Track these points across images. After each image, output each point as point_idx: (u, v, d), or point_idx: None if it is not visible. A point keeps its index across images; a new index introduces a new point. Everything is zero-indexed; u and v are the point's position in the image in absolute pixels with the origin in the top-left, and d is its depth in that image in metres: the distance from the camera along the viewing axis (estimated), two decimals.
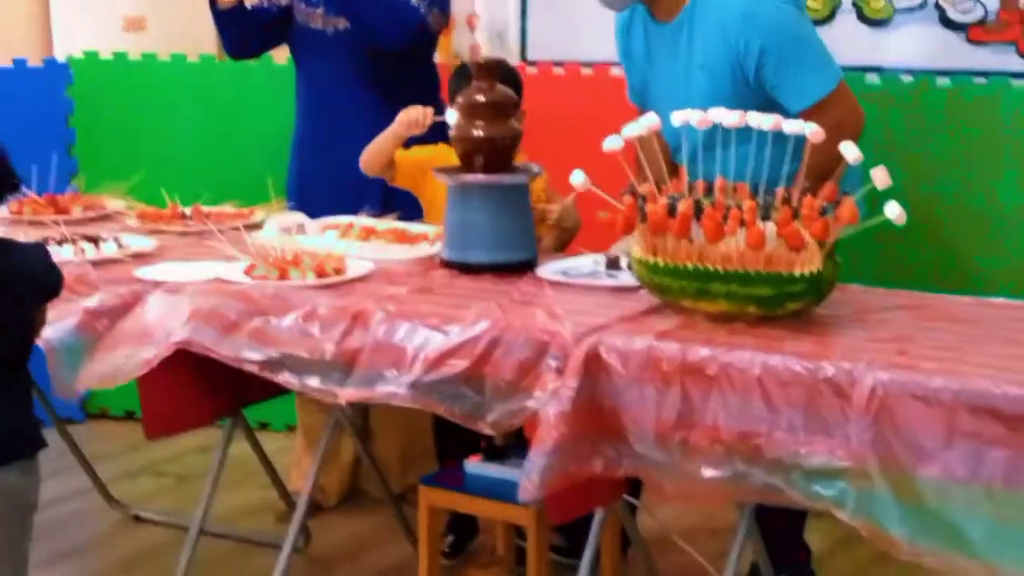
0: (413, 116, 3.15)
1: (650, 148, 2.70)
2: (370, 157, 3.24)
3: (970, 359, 2.21)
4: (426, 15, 3.54)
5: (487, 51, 4.34)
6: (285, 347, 2.63)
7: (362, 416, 3.61)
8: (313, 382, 2.62)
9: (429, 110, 3.12)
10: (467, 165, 2.91)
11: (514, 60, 4.22)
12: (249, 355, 2.66)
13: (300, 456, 3.76)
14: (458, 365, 2.46)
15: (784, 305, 2.43)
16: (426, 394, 2.50)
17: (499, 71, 2.97)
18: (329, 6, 3.61)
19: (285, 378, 2.65)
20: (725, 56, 2.99)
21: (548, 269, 2.83)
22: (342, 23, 3.61)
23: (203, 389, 2.89)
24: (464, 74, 3.17)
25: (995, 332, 2.37)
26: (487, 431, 2.52)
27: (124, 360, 2.74)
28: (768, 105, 2.98)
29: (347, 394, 2.58)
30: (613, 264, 2.84)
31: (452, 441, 3.14)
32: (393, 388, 2.52)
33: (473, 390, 2.47)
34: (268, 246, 2.93)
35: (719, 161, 2.65)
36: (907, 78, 3.62)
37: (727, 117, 2.55)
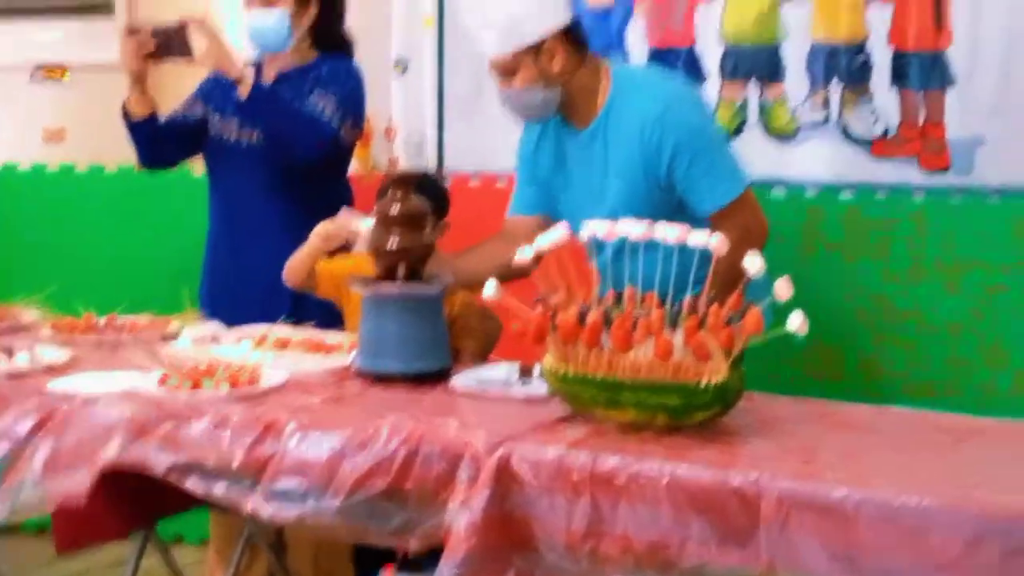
0: (328, 229, 3.19)
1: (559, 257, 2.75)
2: (290, 269, 3.27)
3: (871, 468, 2.26)
4: (339, 129, 3.59)
5: (405, 162, 4.40)
6: (194, 453, 2.63)
7: (276, 529, 3.59)
8: (220, 489, 2.61)
9: (344, 223, 3.15)
10: (382, 275, 2.95)
11: (431, 171, 4.29)
12: (157, 460, 2.65)
13: (212, 570, 3.72)
14: (378, 484, 2.47)
15: (692, 415, 2.47)
16: (351, 517, 2.49)
17: (415, 183, 3.02)
18: (243, 119, 3.64)
19: (193, 484, 2.64)
20: (639, 159, 3.06)
21: (462, 379, 2.86)
22: (256, 136, 3.65)
23: (115, 502, 2.86)
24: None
25: (893, 440, 2.42)
26: (415, 547, 2.51)
27: (53, 486, 2.71)
28: (681, 207, 3.06)
29: (266, 511, 2.56)
30: (526, 373, 2.88)
31: (369, 552, 3.13)
32: (314, 510, 2.52)
33: (397, 506, 2.47)
34: (182, 356, 2.93)
35: (628, 269, 2.70)
36: (811, 191, 3.72)
37: (634, 229, 2.61)
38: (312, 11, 3.68)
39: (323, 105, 3.58)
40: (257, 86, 3.55)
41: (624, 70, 3.19)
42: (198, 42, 3.56)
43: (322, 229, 3.19)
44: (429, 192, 3.22)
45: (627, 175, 3.09)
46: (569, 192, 3.24)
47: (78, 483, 2.68)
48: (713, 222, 3.06)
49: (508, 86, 3.13)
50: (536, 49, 3.07)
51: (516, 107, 3.17)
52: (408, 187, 2.98)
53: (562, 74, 3.09)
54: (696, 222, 3.03)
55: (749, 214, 3.08)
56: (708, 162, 3.05)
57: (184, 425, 2.65)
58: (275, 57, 3.71)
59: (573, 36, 3.12)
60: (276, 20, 3.62)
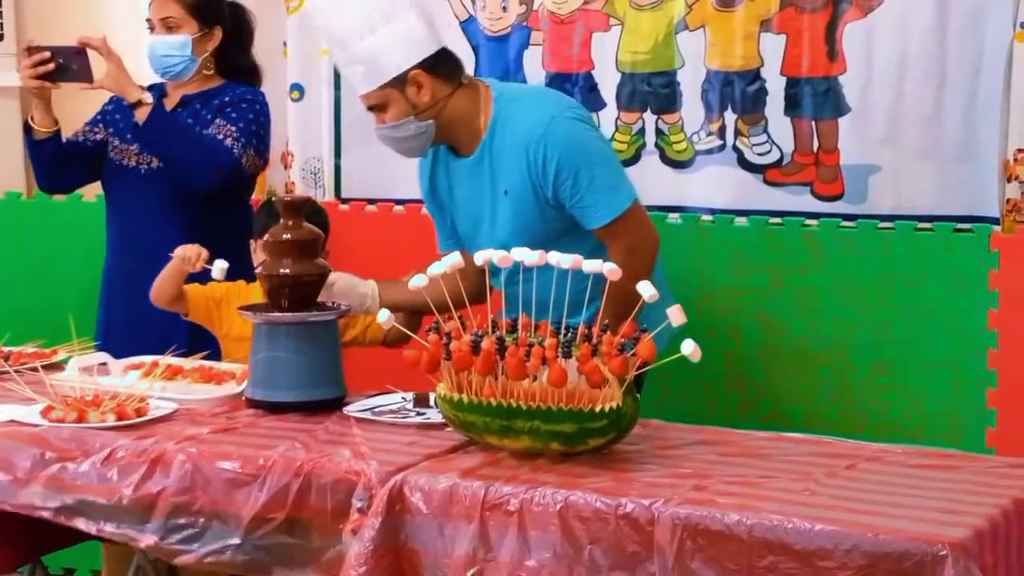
0: (188, 253, 3.19)
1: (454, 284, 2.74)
2: (156, 288, 3.25)
3: (764, 494, 2.26)
4: (240, 156, 3.55)
5: (301, 189, 4.35)
6: (81, 493, 2.57)
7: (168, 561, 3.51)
8: (111, 527, 2.56)
9: (203, 252, 3.14)
10: (274, 303, 2.91)
11: (328, 198, 4.25)
12: (43, 503, 2.59)
13: None
14: (276, 517, 2.44)
15: (586, 441, 2.46)
16: (252, 553, 2.46)
17: (306, 209, 2.98)
18: (143, 144, 3.59)
19: (83, 524, 2.58)
20: (527, 178, 3.06)
21: (356, 407, 2.83)
22: (155, 161, 3.60)
23: (2, 536, 2.79)
24: (269, 211, 3.19)
25: (788, 467, 2.43)
26: None
27: None
28: (574, 223, 3.04)
29: (163, 547, 2.51)
30: (421, 401, 2.86)
31: None
32: (215, 548, 2.48)
33: (297, 539, 2.45)
34: (68, 387, 2.87)
35: (522, 292, 2.67)
36: (707, 218, 3.74)
37: (527, 256, 2.60)
38: (216, 38, 3.65)
39: (224, 133, 3.55)
40: (157, 110, 3.50)
41: (506, 90, 3.17)
42: (98, 65, 3.51)
43: (181, 251, 3.20)
44: (315, 218, 3.20)
45: (517, 195, 3.08)
46: (461, 219, 3.22)
47: None
48: (601, 237, 3.06)
49: (382, 122, 3.11)
50: (401, 82, 3.05)
51: (392, 142, 3.15)
52: (299, 214, 2.94)
53: (433, 104, 3.07)
54: (591, 237, 3.06)
55: (636, 228, 3.08)
56: (590, 179, 3.04)
57: (70, 463, 2.58)
58: (178, 83, 3.66)
59: (440, 65, 3.10)
60: (179, 46, 3.59)
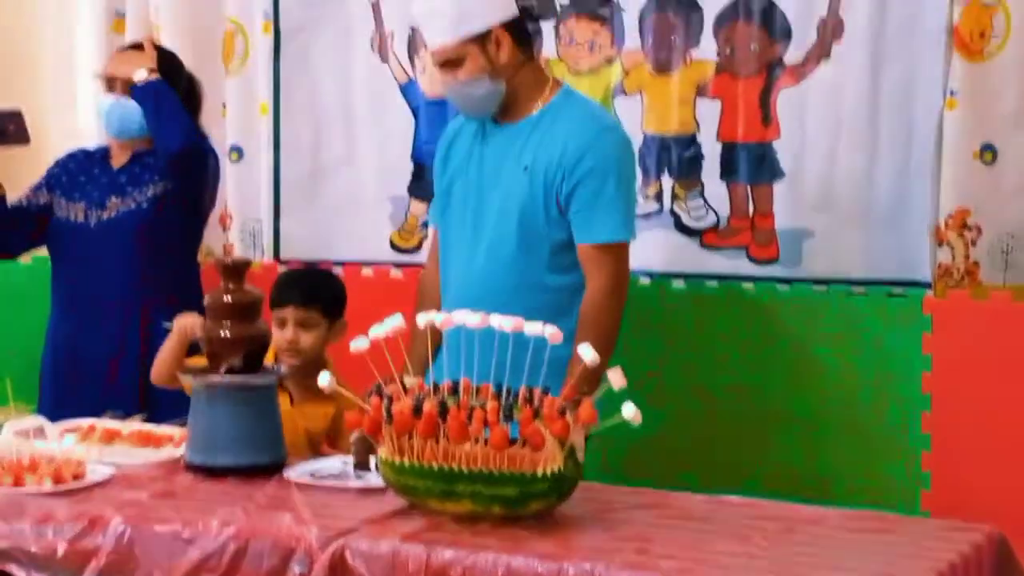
0: (187, 323, 3.14)
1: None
2: (157, 370, 3.21)
3: (705, 557, 2.27)
4: (208, 154, 3.68)
5: (240, 250, 4.34)
6: (16, 540, 2.53)
7: None
8: None
9: (199, 319, 3.09)
10: (214, 365, 2.89)
11: (267, 259, 4.25)
12: None
13: None
14: None
15: (527, 505, 2.46)
16: None
17: (245, 271, 2.96)
18: (92, 196, 3.62)
19: (12, 570, 2.54)
20: (555, 165, 3.08)
21: (296, 471, 2.81)
22: (107, 213, 3.61)
23: None
24: (287, 280, 3.33)
25: (728, 530, 2.44)
26: None
27: None
28: (565, 245, 3.10)
29: None
30: (361, 465, 2.84)
31: None
32: None
33: None
34: (3, 450, 2.83)
35: (465, 353, 2.68)
36: (645, 280, 3.77)
37: (470, 319, 2.60)
38: None
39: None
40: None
41: (575, 93, 3.24)
42: (34, 127, 3.52)
43: (179, 325, 3.16)
44: (322, 293, 3.21)
45: (534, 176, 3.10)
46: (469, 183, 3.22)
47: None
48: (586, 261, 3.08)
49: (453, 78, 3.12)
50: (484, 39, 3.08)
51: (461, 99, 3.17)
52: (240, 276, 2.94)
53: (508, 67, 3.11)
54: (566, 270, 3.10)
55: (622, 267, 3.12)
56: (613, 195, 3.08)
57: (3, 522, 2.55)
58: (127, 142, 3.69)
59: (521, 31, 3.15)
60: (132, 108, 3.62)
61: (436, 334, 2.96)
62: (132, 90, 3.61)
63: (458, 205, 3.25)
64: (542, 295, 3.10)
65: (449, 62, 3.12)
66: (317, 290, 3.30)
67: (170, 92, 3.63)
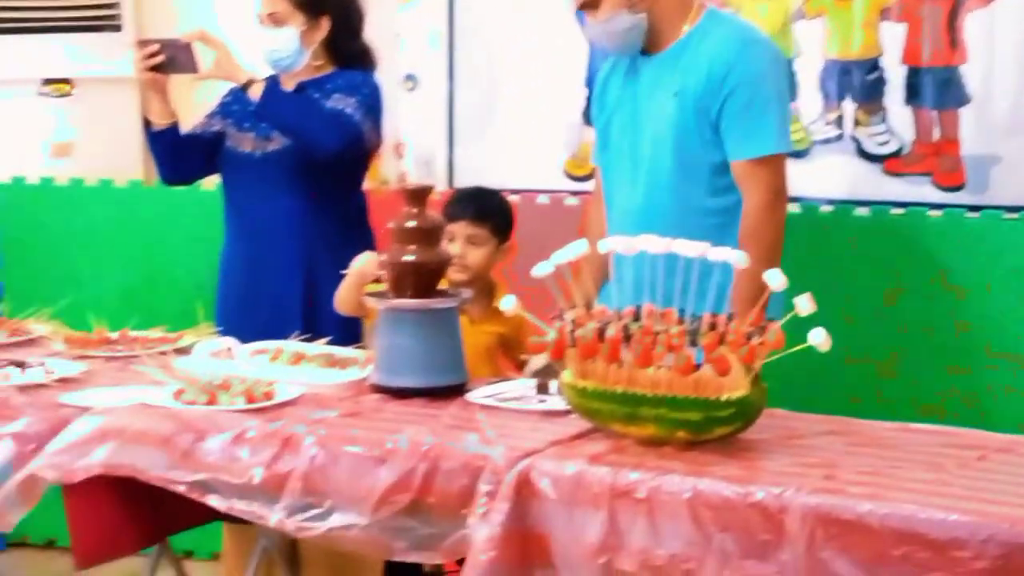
0: (364, 268, 3.15)
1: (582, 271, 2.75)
2: (339, 300, 3.25)
3: (895, 484, 2.24)
4: (361, 124, 3.58)
5: (414, 178, 4.39)
6: (213, 471, 2.61)
7: (291, 543, 3.57)
8: (241, 505, 2.60)
9: (374, 260, 3.12)
10: (397, 290, 2.93)
11: (441, 187, 4.29)
12: (177, 477, 2.63)
13: None
14: (401, 499, 2.46)
15: (712, 430, 2.45)
16: (375, 533, 2.48)
17: (428, 196, 3.00)
18: (261, 128, 3.64)
19: (213, 500, 2.63)
20: (703, 85, 3.07)
21: (478, 393, 2.85)
22: (272, 145, 3.64)
23: (131, 517, 2.85)
24: (458, 198, 3.35)
25: (918, 457, 2.41)
26: (438, 561, 2.50)
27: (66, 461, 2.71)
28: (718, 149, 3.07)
29: (290, 524, 2.55)
30: (542, 388, 2.86)
31: (399, 567, 3.10)
32: (339, 526, 2.51)
33: (420, 521, 2.46)
34: (197, 371, 2.92)
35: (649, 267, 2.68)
36: (826, 208, 3.72)
37: (654, 245, 2.59)
38: (324, 28, 3.67)
39: (344, 105, 3.59)
40: (272, 86, 3.57)
41: (720, 12, 3.23)
42: (205, 57, 3.57)
43: (357, 269, 3.18)
44: (492, 211, 3.24)
45: (684, 99, 3.09)
46: (623, 116, 3.22)
47: (92, 465, 2.66)
48: (741, 179, 3.06)
49: (594, 18, 3.14)
50: None
51: (604, 37, 3.17)
52: (423, 202, 2.97)
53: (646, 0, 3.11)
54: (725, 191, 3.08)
55: (780, 180, 3.08)
56: (759, 110, 3.05)
57: (202, 440, 2.63)
58: (290, 74, 3.71)
59: None
60: (286, 40, 3.63)
61: (598, 271, 2.96)
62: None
63: (616, 142, 3.24)
64: (703, 219, 3.09)
65: (588, 3, 3.12)
66: (487, 208, 3.33)
67: (289, 99, 3.60)
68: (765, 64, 3.09)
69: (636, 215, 3.14)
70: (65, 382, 2.98)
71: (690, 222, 3.05)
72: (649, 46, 3.17)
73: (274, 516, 2.56)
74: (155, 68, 3.59)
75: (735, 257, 2.53)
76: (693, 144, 3.09)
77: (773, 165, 3.06)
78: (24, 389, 2.91)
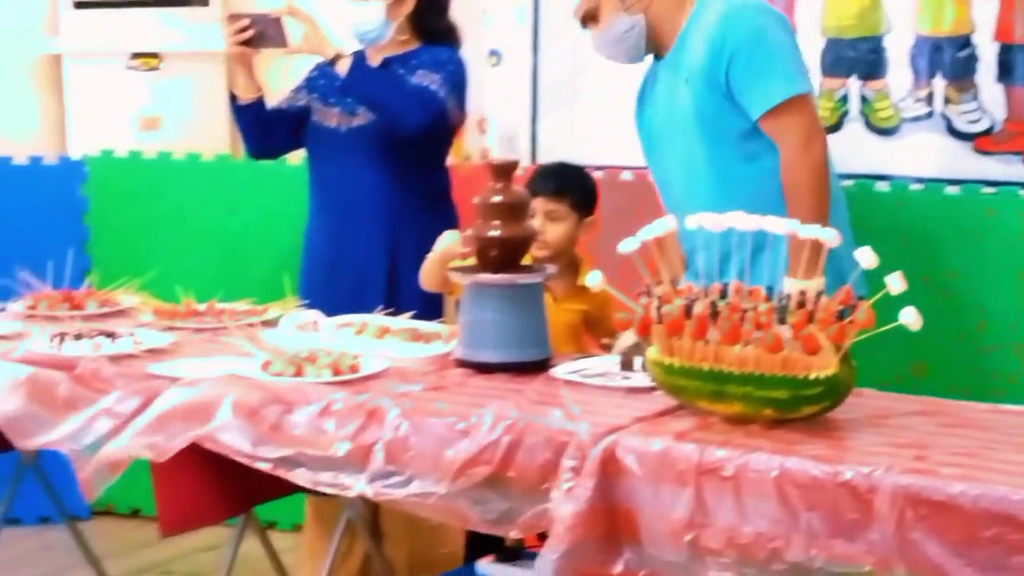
0: (448, 249, 3.14)
1: (667, 248, 2.75)
2: (424, 277, 3.26)
3: (987, 465, 2.21)
4: (446, 100, 3.59)
5: (497, 154, 4.38)
6: (299, 445, 2.64)
7: (372, 515, 3.60)
8: (327, 477, 2.62)
9: (458, 240, 3.13)
10: (482, 264, 2.94)
11: (525, 163, 4.28)
12: (263, 453, 2.66)
13: (308, 556, 3.73)
14: (482, 471, 2.47)
15: (799, 408, 2.43)
16: (454, 501, 2.50)
17: (514, 172, 3.00)
18: (346, 103, 3.66)
19: (299, 474, 2.65)
20: (707, 63, 3.08)
21: (562, 369, 2.84)
22: (357, 120, 3.66)
23: (217, 487, 2.89)
24: (542, 173, 3.38)
25: (1011, 439, 2.37)
26: (515, 535, 2.50)
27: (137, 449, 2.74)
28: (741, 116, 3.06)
29: (371, 490, 2.56)
30: (626, 365, 2.86)
31: (481, 539, 3.11)
32: (420, 492, 2.52)
33: (499, 494, 2.47)
34: (284, 343, 2.95)
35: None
36: (916, 187, 3.67)
37: (744, 222, 2.57)
38: (409, 3, 3.68)
39: (428, 81, 3.59)
40: (358, 61, 3.58)
41: None
42: (294, 32, 3.59)
43: (442, 250, 3.17)
44: (572, 186, 3.23)
45: (694, 82, 3.11)
46: (654, 120, 3.26)
47: (181, 442, 2.70)
48: (770, 130, 3.05)
49: (595, 29, 3.18)
50: None
51: (607, 46, 3.21)
52: (508, 177, 2.96)
53: (640, 1, 3.13)
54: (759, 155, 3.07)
55: (807, 119, 3.05)
56: (763, 62, 3.05)
57: (290, 412, 2.66)
58: (376, 47, 3.71)
59: None
60: (373, 13, 3.63)
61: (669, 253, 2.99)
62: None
63: (655, 146, 3.27)
64: (744, 187, 3.08)
65: (587, 18, 3.16)
66: (566, 183, 3.33)
67: (375, 74, 3.62)
68: (758, 22, 3.10)
69: (680, 203, 3.13)
70: (154, 352, 3.02)
71: (730, 194, 3.05)
72: (658, 50, 3.21)
73: (357, 486, 2.58)
74: (245, 43, 3.62)
75: (828, 235, 2.50)
76: (716, 115, 3.09)
77: (796, 107, 3.04)
78: (115, 359, 2.95)
